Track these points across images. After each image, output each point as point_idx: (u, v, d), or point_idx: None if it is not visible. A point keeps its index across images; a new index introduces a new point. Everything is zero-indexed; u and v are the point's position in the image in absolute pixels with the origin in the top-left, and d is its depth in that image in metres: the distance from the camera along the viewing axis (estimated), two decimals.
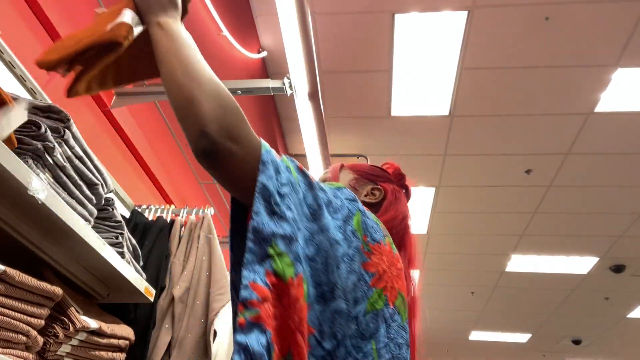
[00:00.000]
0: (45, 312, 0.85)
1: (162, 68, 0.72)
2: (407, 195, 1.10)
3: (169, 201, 2.04)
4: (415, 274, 0.93)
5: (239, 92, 1.70)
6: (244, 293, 0.55)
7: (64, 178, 0.98)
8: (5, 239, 0.92)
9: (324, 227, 0.67)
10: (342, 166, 1.10)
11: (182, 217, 1.80)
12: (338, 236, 0.69)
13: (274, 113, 3.93)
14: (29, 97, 1.18)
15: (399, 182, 1.09)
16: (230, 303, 1.49)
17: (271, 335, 0.55)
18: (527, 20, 2.96)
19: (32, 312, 0.82)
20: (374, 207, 1.00)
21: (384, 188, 1.03)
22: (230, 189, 0.71)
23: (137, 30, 0.77)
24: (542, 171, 4.24)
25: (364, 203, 0.97)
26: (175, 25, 0.78)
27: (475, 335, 8.15)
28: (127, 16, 0.76)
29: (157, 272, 1.56)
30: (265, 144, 0.70)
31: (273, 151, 0.71)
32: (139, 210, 1.72)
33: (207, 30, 2.46)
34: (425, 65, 3.32)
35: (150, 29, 0.77)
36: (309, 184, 0.72)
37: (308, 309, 0.61)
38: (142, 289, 1.24)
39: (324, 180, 1.06)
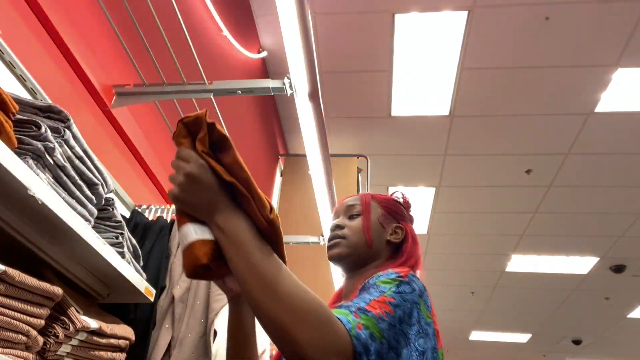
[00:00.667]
0: (45, 312, 0.85)
1: (238, 281, 0.69)
2: (412, 223, 1.18)
3: (169, 201, 2.04)
4: None
5: (239, 92, 1.70)
6: None
7: (64, 178, 0.98)
8: (5, 239, 0.92)
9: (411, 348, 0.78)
10: (372, 197, 1.14)
11: None
12: (421, 344, 0.79)
13: (274, 113, 3.94)
14: (29, 97, 1.18)
15: (410, 217, 1.16)
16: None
17: None
18: (527, 20, 2.96)
19: (33, 312, 0.82)
20: (394, 245, 1.09)
21: (405, 228, 1.10)
22: None
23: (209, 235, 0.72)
24: (542, 171, 4.24)
25: (388, 242, 1.08)
26: (233, 221, 0.71)
27: (475, 335, 8.15)
28: (190, 233, 0.71)
29: (157, 272, 1.56)
30: (354, 335, 0.70)
31: (360, 333, 0.71)
32: (139, 210, 1.72)
33: (207, 30, 2.47)
34: (425, 65, 3.32)
35: (213, 232, 0.72)
36: (397, 332, 0.76)
37: None
38: (142, 289, 1.24)
39: (351, 207, 1.11)
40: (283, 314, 0.65)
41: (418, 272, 1.04)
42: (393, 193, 1.20)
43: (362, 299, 0.78)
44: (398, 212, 1.14)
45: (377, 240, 1.07)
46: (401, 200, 1.18)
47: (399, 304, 0.78)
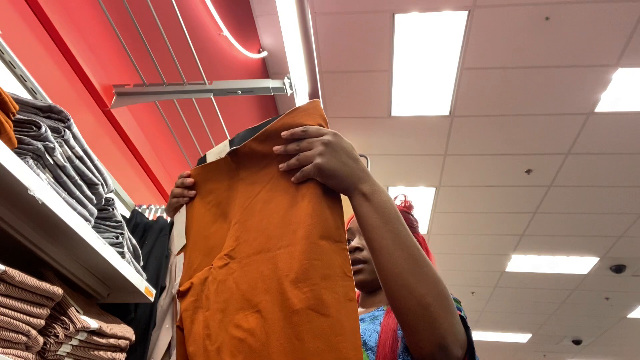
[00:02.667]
0: (45, 312, 0.85)
1: (380, 257, 0.68)
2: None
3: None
4: None
5: (239, 92, 1.70)
6: None
7: (64, 178, 0.98)
8: (5, 239, 0.92)
9: None
10: None
11: None
12: None
13: (274, 113, 3.93)
14: (29, 97, 1.18)
15: (417, 222, 1.14)
16: None
17: None
18: (527, 20, 2.96)
19: (33, 312, 0.82)
20: None
21: (419, 241, 1.06)
22: None
23: None
24: (542, 171, 4.24)
25: None
26: (380, 191, 0.71)
27: (476, 336, 8.10)
28: None
29: (157, 272, 1.56)
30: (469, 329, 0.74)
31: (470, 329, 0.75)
32: (139, 210, 1.72)
33: (208, 30, 2.47)
34: (425, 65, 3.32)
35: (352, 199, 0.71)
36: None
37: None
38: (142, 289, 1.24)
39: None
40: (429, 297, 0.64)
41: None
42: (395, 197, 1.15)
43: None
44: (409, 224, 1.09)
45: None
46: (403, 203, 1.14)
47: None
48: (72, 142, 0.99)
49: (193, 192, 1.00)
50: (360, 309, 0.99)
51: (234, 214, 0.82)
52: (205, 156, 0.98)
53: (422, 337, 0.65)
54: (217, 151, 0.92)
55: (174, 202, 1.05)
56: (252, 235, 0.78)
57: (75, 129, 1.00)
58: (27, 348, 0.83)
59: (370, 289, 1.03)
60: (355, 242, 1.06)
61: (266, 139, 0.81)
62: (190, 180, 1.02)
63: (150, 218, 1.74)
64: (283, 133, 0.76)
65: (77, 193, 1.01)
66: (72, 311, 0.94)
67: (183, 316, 0.89)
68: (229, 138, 0.92)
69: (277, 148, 0.77)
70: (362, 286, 1.03)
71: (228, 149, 0.89)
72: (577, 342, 7.91)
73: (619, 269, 5.59)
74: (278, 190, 0.77)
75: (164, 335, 1.55)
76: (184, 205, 1.03)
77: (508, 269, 5.92)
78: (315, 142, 0.71)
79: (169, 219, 1.77)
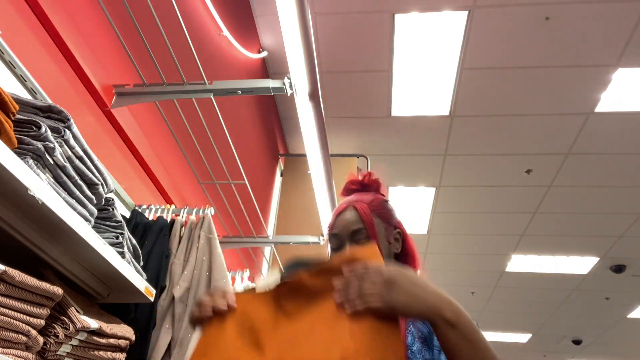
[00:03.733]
0: (45, 312, 0.85)
1: None
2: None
3: (169, 201, 2.04)
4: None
5: (239, 92, 1.70)
6: None
7: (64, 178, 0.98)
8: (5, 239, 0.92)
9: None
10: (370, 212, 1.03)
11: (182, 217, 1.80)
12: None
13: (274, 113, 3.93)
14: (29, 97, 1.18)
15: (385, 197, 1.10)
16: None
17: None
18: (527, 20, 2.96)
19: (33, 312, 0.82)
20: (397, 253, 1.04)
21: (401, 230, 1.05)
22: None
23: None
24: (542, 171, 4.24)
25: (395, 254, 1.02)
26: (464, 314, 0.68)
27: None
28: None
29: (157, 272, 1.56)
30: None
31: None
32: (139, 210, 1.72)
33: (208, 30, 2.47)
34: (425, 65, 3.32)
35: (438, 329, 0.67)
36: None
37: None
38: (142, 289, 1.24)
39: (357, 232, 1.01)
40: None
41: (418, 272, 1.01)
42: (364, 176, 1.10)
43: None
44: (390, 213, 1.06)
45: (388, 260, 1.00)
46: (365, 180, 1.08)
47: None
48: (72, 142, 0.99)
49: (232, 307, 0.85)
50: None
51: (272, 347, 0.76)
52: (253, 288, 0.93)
53: None
54: (266, 283, 0.88)
55: (207, 310, 0.86)
56: None
57: (75, 129, 1.00)
58: (27, 348, 0.83)
59: None
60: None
61: (320, 273, 0.79)
62: (233, 300, 0.88)
63: (150, 218, 1.74)
64: (344, 268, 0.73)
65: (77, 193, 1.01)
66: (72, 311, 0.94)
67: None
68: (280, 272, 0.90)
69: (336, 282, 0.74)
70: None
71: (277, 281, 0.87)
72: (577, 342, 7.91)
73: (619, 269, 5.59)
74: (325, 325, 0.73)
75: (164, 335, 1.55)
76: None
77: (508, 269, 5.92)
78: (377, 277, 0.68)
79: (168, 219, 1.77)
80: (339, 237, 1.02)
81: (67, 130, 0.97)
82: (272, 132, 3.83)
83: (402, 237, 1.05)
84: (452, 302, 0.68)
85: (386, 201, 1.08)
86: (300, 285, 0.80)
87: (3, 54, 1.14)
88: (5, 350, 0.77)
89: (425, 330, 0.89)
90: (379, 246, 0.98)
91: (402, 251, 1.04)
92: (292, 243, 2.97)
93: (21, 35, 1.24)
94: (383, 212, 1.04)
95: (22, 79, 1.20)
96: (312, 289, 0.78)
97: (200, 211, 1.83)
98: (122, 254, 1.19)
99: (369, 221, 1.01)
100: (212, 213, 1.83)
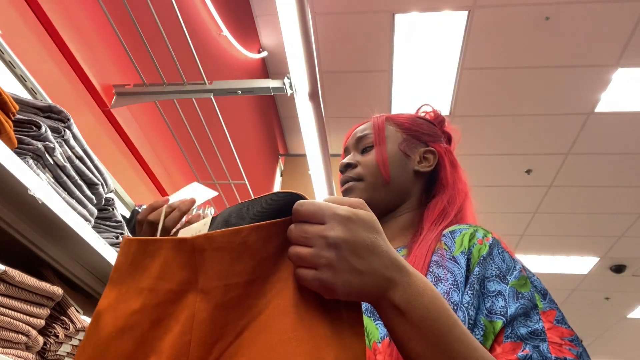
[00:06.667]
0: (45, 312, 0.85)
1: None
2: (451, 144, 0.94)
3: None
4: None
5: (239, 92, 1.70)
6: None
7: (64, 178, 0.98)
8: (5, 239, 0.92)
9: None
10: (387, 120, 0.90)
11: None
12: None
13: (274, 113, 3.93)
14: (29, 97, 1.18)
15: (443, 134, 0.93)
16: None
17: None
18: (527, 20, 2.96)
19: (33, 312, 0.82)
20: (427, 176, 0.87)
21: (437, 151, 0.88)
22: None
23: None
24: (542, 171, 4.24)
25: (417, 173, 0.85)
26: (427, 299, 0.47)
27: None
28: None
29: None
30: None
31: None
32: (139, 210, 1.72)
33: (208, 30, 2.47)
34: (425, 65, 3.32)
35: (381, 314, 0.48)
36: None
37: None
38: None
39: (362, 138, 0.88)
40: None
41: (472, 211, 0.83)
42: (419, 107, 0.95)
43: (525, 326, 0.58)
44: (426, 132, 0.89)
45: (401, 174, 0.84)
46: (429, 114, 0.93)
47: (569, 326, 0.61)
48: (72, 142, 0.99)
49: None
50: None
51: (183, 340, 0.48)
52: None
53: None
54: (197, 227, 0.59)
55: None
56: None
57: (75, 129, 1.00)
58: (27, 348, 0.83)
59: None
60: (347, 158, 0.87)
61: (271, 230, 0.49)
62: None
63: None
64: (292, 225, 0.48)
65: (77, 193, 1.01)
66: (72, 311, 0.94)
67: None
68: (211, 215, 0.60)
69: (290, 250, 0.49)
70: None
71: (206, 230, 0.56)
72: None
73: (619, 269, 5.59)
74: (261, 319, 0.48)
75: None
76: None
77: None
78: (320, 241, 0.45)
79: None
80: (347, 150, 0.91)
81: (67, 130, 0.97)
82: (272, 132, 3.83)
83: (436, 158, 0.87)
84: (405, 279, 0.47)
85: (424, 119, 0.92)
86: (226, 246, 0.49)
87: (3, 54, 1.14)
88: (6, 350, 0.77)
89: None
90: (385, 157, 0.83)
91: (437, 179, 0.87)
92: None
93: (21, 35, 1.24)
94: (411, 125, 0.89)
95: (22, 79, 1.20)
96: (255, 255, 0.48)
97: (201, 211, 1.82)
98: None
99: (377, 126, 0.87)
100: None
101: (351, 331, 0.47)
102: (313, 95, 1.82)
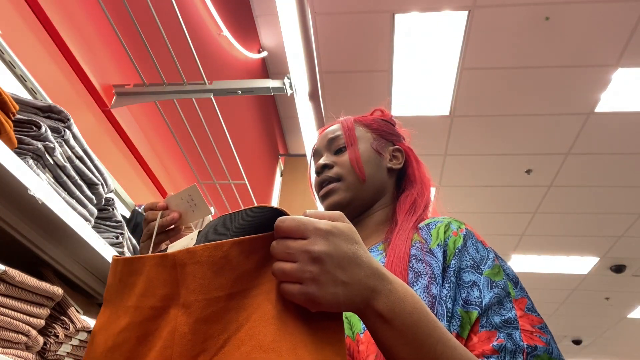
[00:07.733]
0: (45, 312, 0.85)
1: None
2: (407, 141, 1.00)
3: None
4: None
5: (239, 92, 1.70)
6: None
7: (64, 178, 0.98)
8: (5, 239, 0.92)
9: None
10: (355, 121, 0.94)
11: None
12: None
13: (274, 113, 3.93)
14: (29, 97, 1.18)
15: (403, 134, 0.99)
16: None
17: None
18: (527, 20, 2.96)
19: (33, 312, 0.82)
20: (396, 173, 0.92)
21: (404, 149, 0.93)
22: None
23: None
24: (542, 171, 4.24)
25: (390, 170, 0.91)
26: (409, 306, 0.49)
27: None
28: None
29: None
30: None
31: None
32: (139, 210, 1.72)
33: (208, 30, 2.47)
34: (425, 65, 3.32)
35: (366, 322, 0.50)
36: None
37: None
38: None
39: (334, 139, 0.91)
40: None
41: (432, 200, 0.90)
42: (373, 111, 1.01)
43: (498, 313, 0.62)
44: (391, 132, 0.95)
45: (376, 172, 0.88)
46: (385, 117, 0.98)
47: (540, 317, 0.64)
48: (72, 142, 0.99)
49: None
50: None
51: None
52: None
53: None
54: (184, 242, 0.60)
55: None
56: None
57: (75, 129, 1.00)
58: (27, 348, 0.83)
59: (350, 211, 0.86)
60: (323, 160, 0.89)
61: (253, 245, 0.50)
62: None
63: None
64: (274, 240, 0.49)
65: (77, 193, 1.01)
66: (72, 311, 0.94)
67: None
68: (197, 230, 0.60)
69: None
70: (341, 209, 0.84)
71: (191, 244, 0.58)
72: (577, 342, 7.91)
73: (619, 269, 5.59)
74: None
75: None
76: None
77: None
78: (303, 256, 0.46)
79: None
80: (318, 152, 0.93)
81: (67, 130, 0.97)
82: (272, 132, 3.83)
83: (404, 156, 0.93)
84: (387, 287, 0.48)
85: (386, 120, 0.97)
86: (210, 261, 0.49)
87: (3, 54, 1.14)
88: (5, 350, 0.77)
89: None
90: (357, 156, 0.87)
91: (405, 175, 0.93)
92: None
93: (21, 35, 1.24)
94: (374, 124, 0.94)
95: (22, 79, 1.20)
96: (236, 270, 0.49)
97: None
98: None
99: (347, 127, 0.91)
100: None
101: (331, 339, 0.48)
102: (313, 95, 1.82)
